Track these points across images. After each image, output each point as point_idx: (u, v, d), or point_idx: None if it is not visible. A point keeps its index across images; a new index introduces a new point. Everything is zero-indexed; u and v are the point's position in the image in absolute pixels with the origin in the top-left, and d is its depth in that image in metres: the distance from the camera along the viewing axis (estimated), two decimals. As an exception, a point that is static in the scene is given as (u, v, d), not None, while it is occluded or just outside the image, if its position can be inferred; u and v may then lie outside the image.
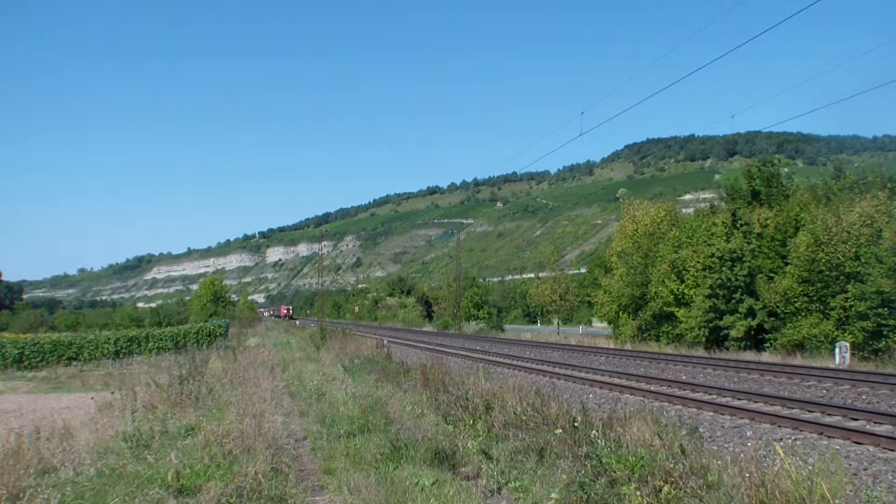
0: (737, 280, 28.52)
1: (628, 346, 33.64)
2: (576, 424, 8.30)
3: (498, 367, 21.74)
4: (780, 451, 5.69)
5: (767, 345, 27.38)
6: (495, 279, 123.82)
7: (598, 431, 8.13)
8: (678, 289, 31.55)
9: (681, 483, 5.88)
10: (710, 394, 14.64)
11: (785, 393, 14.86)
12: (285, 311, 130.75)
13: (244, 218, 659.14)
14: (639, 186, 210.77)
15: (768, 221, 29.56)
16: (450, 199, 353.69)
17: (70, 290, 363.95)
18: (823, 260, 24.65)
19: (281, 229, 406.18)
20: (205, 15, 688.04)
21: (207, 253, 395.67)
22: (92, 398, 14.89)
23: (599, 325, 58.09)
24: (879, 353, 22.17)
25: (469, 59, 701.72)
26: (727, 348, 28.56)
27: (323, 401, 13.23)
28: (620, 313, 37.62)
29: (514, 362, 24.17)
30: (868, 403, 13.37)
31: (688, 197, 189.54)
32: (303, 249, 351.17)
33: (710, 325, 29.43)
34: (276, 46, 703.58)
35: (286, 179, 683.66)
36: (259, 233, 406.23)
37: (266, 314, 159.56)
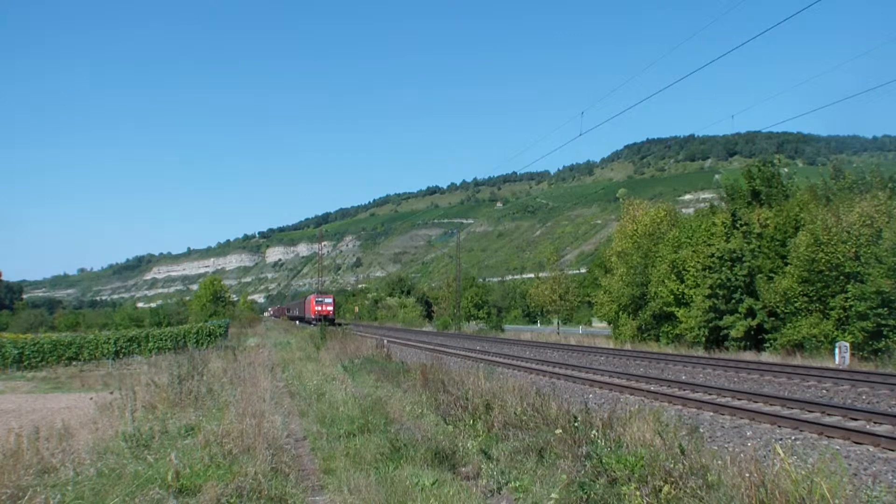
0: (737, 280, 28.51)
1: (628, 346, 33.63)
2: (576, 424, 8.29)
3: (498, 367, 21.71)
4: (780, 451, 5.69)
5: (767, 345, 27.37)
6: (495, 279, 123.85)
7: (598, 431, 8.12)
8: (678, 289, 31.55)
9: (681, 483, 5.87)
10: (710, 394, 14.63)
11: (785, 393, 14.86)
12: (321, 308, 70.19)
13: (244, 218, 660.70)
14: (639, 186, 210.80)
15: (768, 221, 29.55)
16: (450, 199, 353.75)
17: (70, 290, 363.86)
18: (823, 260, 24.63)
19: (281, 229, 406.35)
20: (205, 17, 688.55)
21: (207, 253, 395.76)
22: (91, 398, 14.88)
23: (599, 325, 58.09)
24: (879, 353, 22.16)
25: (469, 59, 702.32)
26: (727, 348, 28.55)
27: (323, 401, 13.22)
28: (620, 313, 37.61)
29: (514, 362, 24.16)
30: (868, 403, 13.37)
31: (688, 197, 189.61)
32: (303, 249, 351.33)
33: (710, 325, 29.43)
34: (276, 48, 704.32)
35: (286, 179, 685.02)
36: (259, 233, 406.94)
37: (269, 314, 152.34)
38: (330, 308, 71.26)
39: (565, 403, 10.67)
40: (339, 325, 61.05)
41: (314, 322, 61.57)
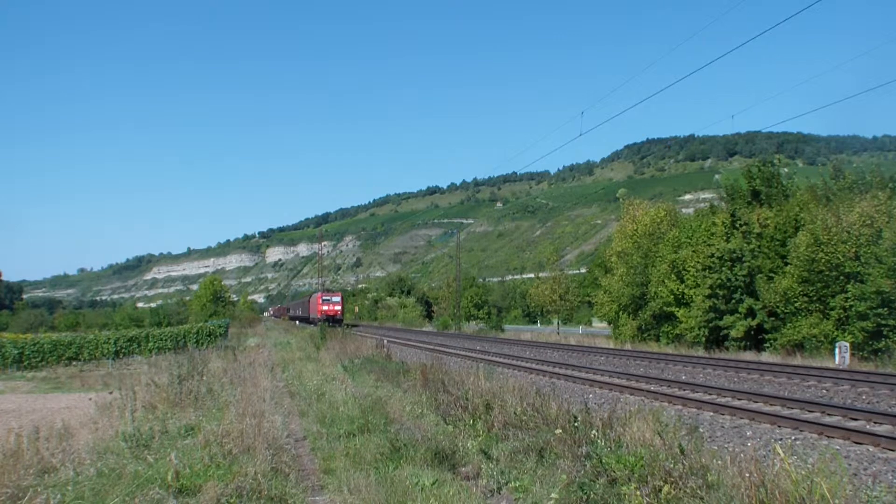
0: (737, 280, 28.51)
1: (628, 346, 33.62)
2: (576, 424, 8.29)
3: (498, 367, 21.69)
4: (780, 451, 5.69)
5: (767, 345, 27.37)
6: (495, 279, 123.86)
7: (598, 431, 8.12)
8: (678, 289, 31.54)
9: (681, 483, 5.87)
10: (710, 394, 14.63)
11: (785, 393, 14.86)
12: (329, 308, 63.29)
13: (244, 218, 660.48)
14: (639, 186, 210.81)
15: (768, 221, 29.55)
16: (450, 199, 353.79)
17: (70, 290, 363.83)
18: (823, 260, 24.64)
19: (281, 229, 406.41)
20: (205, 17, 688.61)
21: (207, 253, 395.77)
22: (91, 398, 14.89)
23: (599, 325, 58.08)
24: (879, 353, 22.16)
25: (469, 59, 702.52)
26: (727, 348, 28.54)
27: (323, 401, 13.22)
28: (620, 313, 37.60)
29: (514, 362, 24.16)
30: (868, 403, 13.37)
31: (688, 197, 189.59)
32: (303, 249, 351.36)
33: (710, 325, 29.42)
34: (276, 48, 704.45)
35: (286, 179, 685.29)
36: (259, 233, 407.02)
37: (269, 314, 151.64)
38: (338, 308, 64.29)
39: (565, 403, 10.68)
40: (349, 326, 55.73)
41: (320, 323, 51.56)
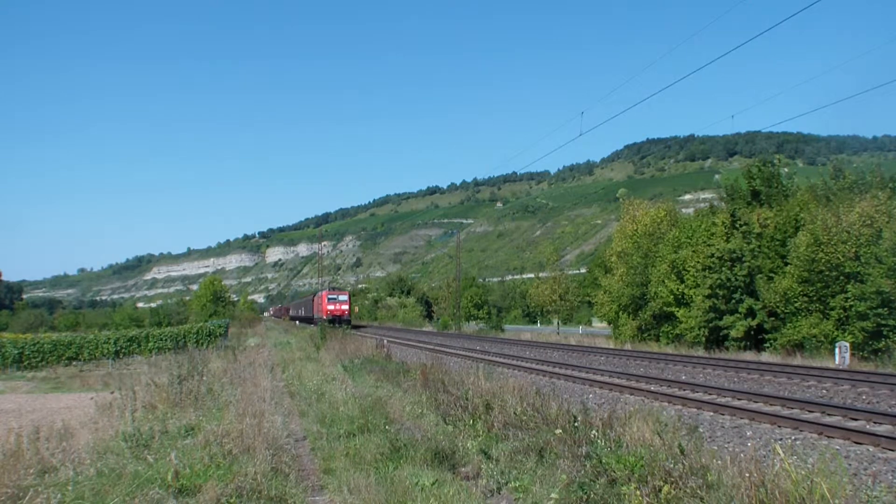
0: (737, 280, 28.51)
1: (628, 346, 33.62)
2: (576, 424, 8.30)
3: (498, 367, 21.68)
4: (780, 451, 5.69)
5: (767, 345, 27.37)
6: (495, 279, 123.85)
7: (598, 431, 8.12)
8: (678, 289, 31.55)
9: (681, 483, 5.87)
10: (710, 394, 14.63)
11: (785, 393, 14.86)
12: (335, 307, 59.38)
13: (244, 218, 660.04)
14: (639, 186, 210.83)
15: (768, 221, 29.55)
16: (450, 199, 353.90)
17: (70, 290, 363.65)
18: (823, 260, 24.64)
19: (281, 229, 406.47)
20: (204, 17, 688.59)
21: (207, 253, 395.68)
22: (91, 398, 14.88)
23: (599, 325, 58.10)
24: (879, 353, 22.17)
25: (469, 59, 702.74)
26: (727, 348, 28.55)
27: (323, 401, 13.22)
28: (620, 313, 37.60)
29: (514, 362, 24.16)
30: (868, 403, 13.37)
31: (688, 197, 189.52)
32: (303, 249, 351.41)
33: (710, 325, 29.43)
34: (277, 48, 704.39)
35: (286, 179, 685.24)
36: (259, 233, 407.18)
37: (269, 314, 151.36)
38: (346, 307, 60.01)
39: (565, 403, 10.68)
40: (357, 327, 51.69)
41: (322, 324, 45.06)
